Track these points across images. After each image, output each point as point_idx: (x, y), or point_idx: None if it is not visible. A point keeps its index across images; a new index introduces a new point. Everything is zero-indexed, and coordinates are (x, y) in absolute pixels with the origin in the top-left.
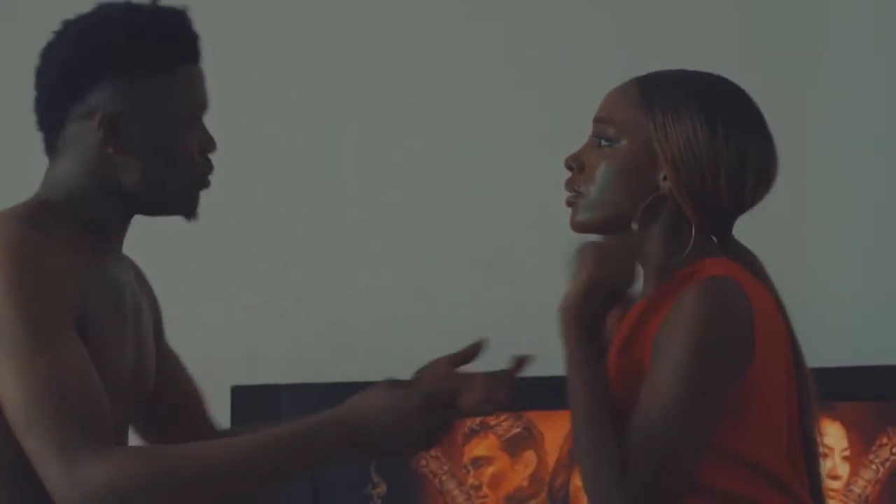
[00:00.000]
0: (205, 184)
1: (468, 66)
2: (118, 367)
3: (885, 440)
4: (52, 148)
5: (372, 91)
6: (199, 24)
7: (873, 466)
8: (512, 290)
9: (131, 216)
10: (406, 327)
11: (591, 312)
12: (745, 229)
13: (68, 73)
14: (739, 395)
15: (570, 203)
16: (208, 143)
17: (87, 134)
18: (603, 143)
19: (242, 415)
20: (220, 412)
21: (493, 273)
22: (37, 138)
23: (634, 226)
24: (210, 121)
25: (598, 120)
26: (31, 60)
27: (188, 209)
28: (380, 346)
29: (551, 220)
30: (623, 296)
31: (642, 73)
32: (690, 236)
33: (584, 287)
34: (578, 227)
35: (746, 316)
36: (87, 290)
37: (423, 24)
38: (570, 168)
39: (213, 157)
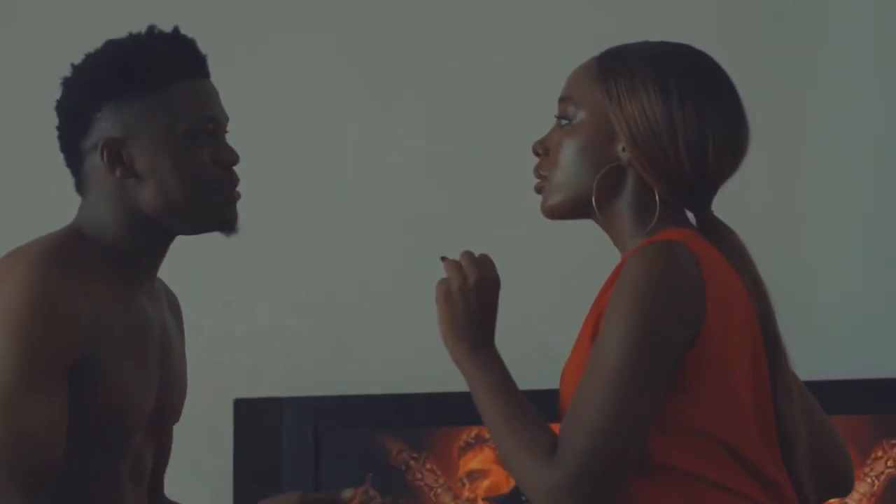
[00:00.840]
0: (227, 196)
1: (466, 71)
2: (136, 396)
3: (880, 453)
4: (78, 185)
5: (371, 99)
6: (196, 28)
7: (868, 480)
8: (513, 298)
9: (165, 241)
10: (406, 338)
11: (465, 331)
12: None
13: (70, 113)
14: (690, 363)
15: (538, 189)
16: (224, 155)
17: (98, 166)
18: (563, 122)
19: (246, 427)
20: (223, 425)
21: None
22: (36, 139)
23: (593, 200)
24: None
25: (560, 100)
26: (32, 61)
27: (218, 224)
28: (381, 356)
29: (552, 224)
30: (493, 296)
31: None
32: (657, 209)
33: (444, 315)
34: (548, 212)
35: (693, 281)
36: (104, 322)
37: (423, 27)
38: (536, 154)
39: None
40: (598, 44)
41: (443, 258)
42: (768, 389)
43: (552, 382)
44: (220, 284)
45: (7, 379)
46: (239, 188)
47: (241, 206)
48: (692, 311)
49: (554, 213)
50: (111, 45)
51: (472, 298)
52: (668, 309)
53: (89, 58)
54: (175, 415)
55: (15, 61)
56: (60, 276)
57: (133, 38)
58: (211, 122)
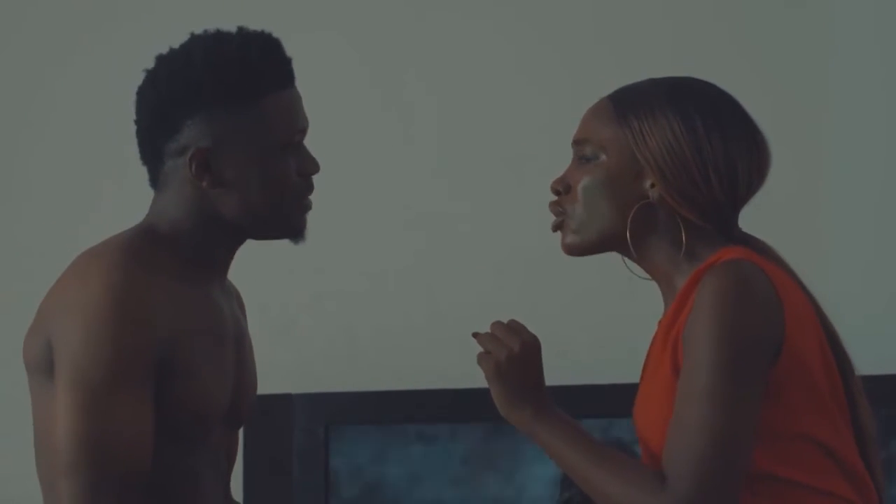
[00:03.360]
0: (306, 206)
1: (480, 71)
2: (215, 392)
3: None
4: (154, 181)
5: (381, 96)
6: (203, 27)
7: None
8: (524, 296)
9: (237, 244)
10: (416, 334)
11: (525, 399)
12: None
13: (159, 113)
14: (780, 373)
15: (556, 227)
16: (308, 166)
17: (182, 170)
18: (582, 160)
19: (256, 424)
20: None
21: (505, 279)
22: (36, 140)
23: (626, 237)
24: None
25: (576, 142)
26: (35, 63)
27: (293, 232)
28: (391, 352)
29: None
30: (539, 357)
31: (644, 71)
32: (683, 236)
33: (501, 389)
34: (569, 249)
35: (770, 295)
36: (183, 320)
37: (434, 24)
38: (556, 192)
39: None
40: (607, 49)
41: (475, 335)
42: (841, 388)
43: (564, 379)
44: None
45: (94, 379)
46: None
47: None
48: (774, 325)
49: (575, 249)
50: (205, 48)
51: (522, 366)
52: (751, 323)
53: (180, 56)
54: (249, 410)
55: (17, 64)
56: (140, 274)
57: (226, 43)
58: (300, 134)
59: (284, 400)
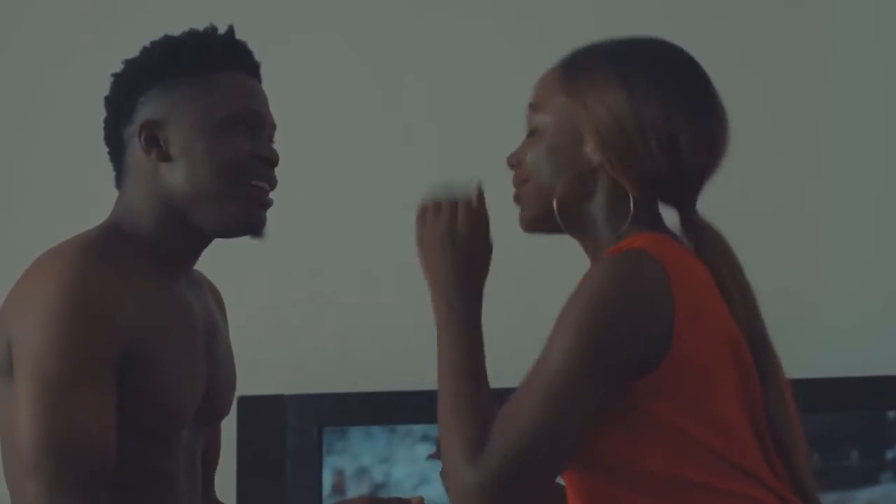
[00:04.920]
0: (260, 196)
1: (479, 72)
2: (184, 388)
3: None
4: (119, 177)
5: (381, 96)
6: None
7: None
8: (516, 297)
9: (199, 240)
10: (409, 335)
11: (455, 279)
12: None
13: (116, 101)
14: (667, 371)
15: (515, 201)
16: (261, 150)
17: (137, 151)
18: (532, 132)
19: (249, 425)
20: (226, 422)
21: (497, 281)
22: (36, 140)
23: (555, 204)
24: None
25: (528, 109)
26: (35, 63)
27: (242, 222)
28: (384, 353)
29: None
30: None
31: None
32: (630, 212)
33: (449, 248)
34: (525, 224)
35: (655, 292)
36: (147, 315)
37: (437, 28)
38: (511, 166)
39: None
40: (604, 36)
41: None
42: (758, 393)
43: None
44: (223, 282)
45: (52, 374)
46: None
47: None
48: (650, 322)
49: (530, 225)
50: (166, 37)
51: (467, 241)
52: (620, 320)
53: (143, 49)
54: (225, 407)
55: (18, 64)
56: (100, 270)
57: (189, 31)
58: (253, 116)
59: (277, 401)
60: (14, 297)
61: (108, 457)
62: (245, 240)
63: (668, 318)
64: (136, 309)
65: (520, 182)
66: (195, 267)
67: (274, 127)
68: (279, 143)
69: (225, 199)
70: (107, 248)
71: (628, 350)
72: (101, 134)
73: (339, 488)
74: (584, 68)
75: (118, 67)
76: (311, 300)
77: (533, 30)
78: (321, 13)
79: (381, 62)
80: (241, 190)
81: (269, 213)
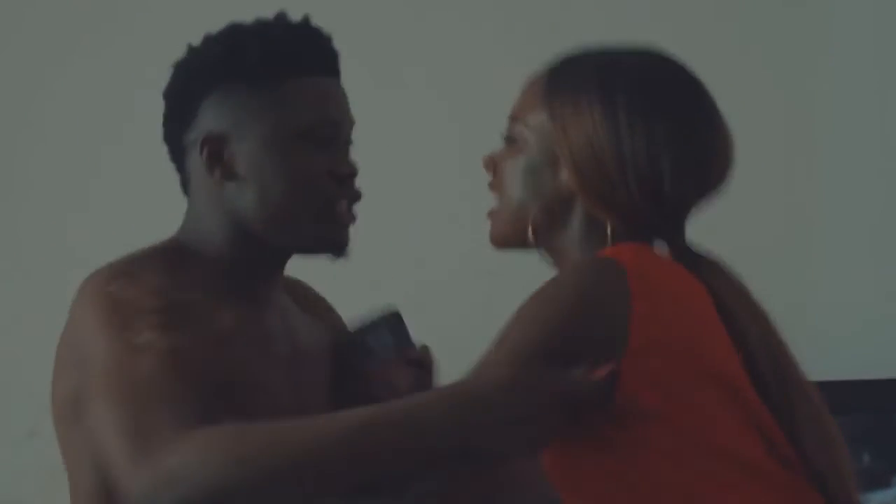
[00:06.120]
0: (339, 213)
1: (480, 73)
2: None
3: None
4: (183, 185)
5: (382, 104)
6: (206, 28)
7: None
8: (518, 301)
9: (275, 259)
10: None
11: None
12: (748, 237)
13: (175, 100)
14: (626, 372)
15: (488, 215)
16: (338, 165)
17: (199, 164)
18: (510, 140)
19: None
20: None
21: (499, 284)
22: (35, 140)
23: (530, 234)
24: None
25: (509, 118)
26: (35, 63)
27: (322, 242)
28: None
29: None
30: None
31: None
32: (608, 240)
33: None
34: (494, 241)
35: (610, 300)
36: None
37: (437, 28)
38: (487, 171)
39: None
40: (607, 39)
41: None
42: (750, 398)
43: None
44: None
45: (129, 381)
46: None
47: None
48: (598, 327)
49: (499, 242)
50: (232, 27)
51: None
52: (571, 323)
53: (206, 40)
54: None
55: (18, 65)
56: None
57: (257, 23)
58: (330, 126)
59: None
60: (66, 336)
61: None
62: None
63: (617, 328)
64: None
65: (494, 190)
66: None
67: (352, 126)
68: None
69: (303, 221)
70: (167, 266)
71: (577, 352)
72: (101, 134)
73: None
74: (567, 86)
75: (131, 66)
76: None
77: (533, 30)
78: (320, 14)
79: (380, 63)
80: (319, 211)
81: None
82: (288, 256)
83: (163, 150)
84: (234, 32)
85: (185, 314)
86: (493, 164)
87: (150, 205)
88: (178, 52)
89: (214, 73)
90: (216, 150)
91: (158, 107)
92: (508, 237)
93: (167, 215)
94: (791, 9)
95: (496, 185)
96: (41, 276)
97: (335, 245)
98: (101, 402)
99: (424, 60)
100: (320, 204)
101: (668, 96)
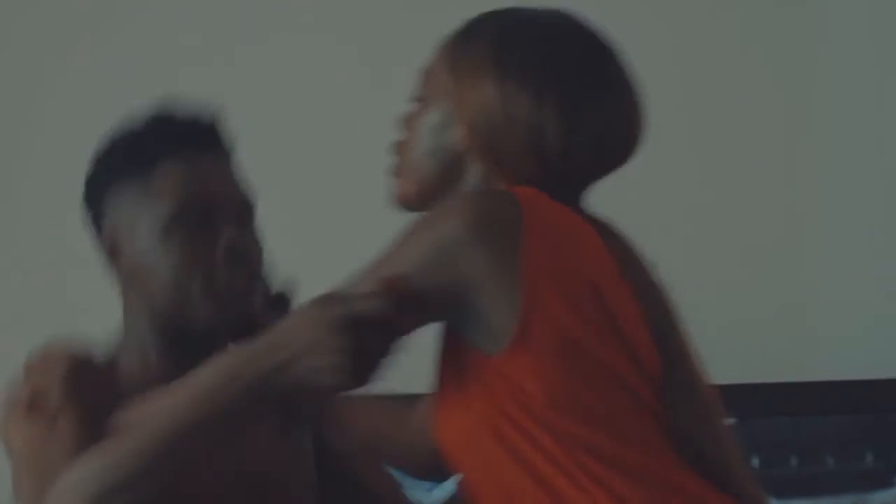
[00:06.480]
0: (228, 288)
1: None
2: None
3: None
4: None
5: (374, 101)
6: (199, 27)
7: None
8: None
9: (197, 345)
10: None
11: None
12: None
13: (84, 203)
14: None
15: (391, 172)
16: (222, 242)
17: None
18: (419, 98)
19: None
20: None
21: None
22: (35, 142)
23: (413, 188)
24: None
25: (421, 74)
26: (34, 64)
27: (227, 320)
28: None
29: None
30: None
31: (641, 75)
32: None
33: None
34: (398, 200)
35: (501, 219)
36: None
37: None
38: (401, 130)
39: None
40: (605, 30)
41: None
42: (644, 367)
43: None
44: None
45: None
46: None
47: None
48: (491, 253)
49: (401, 202)
50: (113, 128)
51: None
52: (456, 246)
53: (102, 138)
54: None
55: (17, 66)
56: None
57: (127, 119)
58: (202, 202)
59: None
60: None
61: None
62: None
63: (510, 262)
64: None
65: (400, 150)
66: None
67: (239, 199)
68: (281, 146)
69: (198, 302)
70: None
71: (448, 279)
72: (101, 134)
73: None
74: (469, 46)
75: (131, 67)
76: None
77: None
78: (319, 14)
79: (378, 63)
80: (210, 290)
81: (269, 218)
82: (213, 340)
83: None
84: (112, 132)
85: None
86: (408, 123)
87: None
88: (178, 52)
89: (100, 174)
90: (114, 247)
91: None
92: (411, 196)
93: None
94: (789, 8)
95: (406, 145)
96: (41, 276)
97: (240, 318)
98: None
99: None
100: (209, 282)
101: (565, 61)
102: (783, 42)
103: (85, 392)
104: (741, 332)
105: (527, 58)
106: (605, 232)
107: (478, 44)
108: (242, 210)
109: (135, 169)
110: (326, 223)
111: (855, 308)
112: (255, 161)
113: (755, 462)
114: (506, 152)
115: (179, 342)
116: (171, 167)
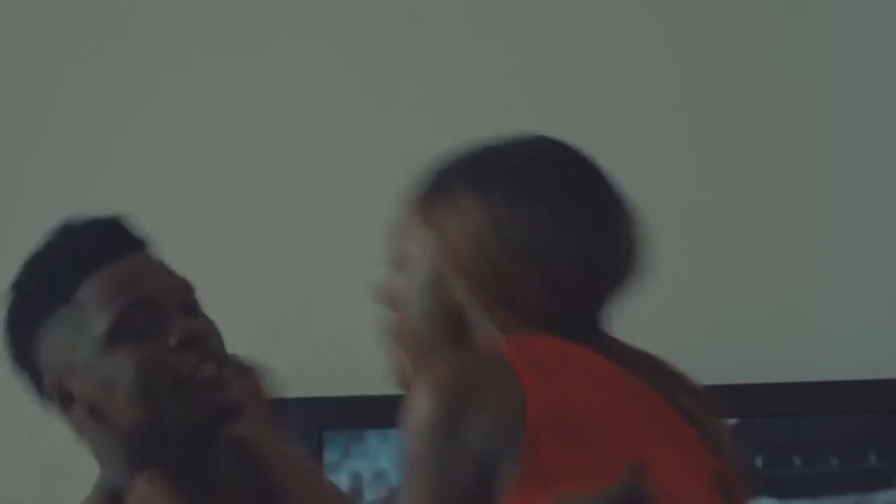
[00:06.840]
0: (194, 381)
1: (478, 74)
2: None
3: None
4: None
5: (374, 101)
6: (195, 28)
7: None
8: None
9: (195, 455)
10: None
11: None
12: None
13: (11, 358)
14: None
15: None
16: (171, 338)
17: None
18: (396, 267)
19: None
20: None
21: None
22: (35, 142)
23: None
24: (205, 128)
25: (388, 241)
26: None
27: (201, 424)
28: (384, 357)
29: None
30: None
31: (642, 76)
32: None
33: None
34: (402, 387)
35: (500, 401)
36: None
37: (434, 30)
38: (382, 304)
39: (208, 168)
40: (596, 48)
41: None
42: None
43: None
44: (222, 285)
45: None
46: (237, 190)
47: (243, 209)
48: (496, 450)
49: (407, 384)
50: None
51: None
52: (452, 455)
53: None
54: None
55: (17, 66)
56: None
57: (38, 248)
58: (139, 301)
59: (279, 404)
60: None
61: None
62: (243, 243)
63: (510, 437)
64: None
65: (392, 332)
66: None
67: (183, 286)
68: (280, 146)
69: (167, 407)
70: None
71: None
72: (102, 134)
73: (356, 492)
74: (439, 190)
75: (115, 70)
76: (310, 303)
77: (531, 32)
78: (318, 14)
79: (376, 64)
80: (175, 391)
81: (269, 217)
82: (195, 438)
83: (165, 149)
84: (21, 275)
85: None
86: (388, 296)
87: (150, 205)
88: (179, 52)
89: (27, 322)
90: (63, 394)
91: (162, 103)
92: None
93: (167, 215)
94: (790, 8)
95: (398, 320)
96: None
97: (214, 410)
98: None
99: (421, 67)
100: (175, 378)
101: (551, 179)
102: (784, 42)
103: None
104: (741, 332)
105: (508, 180)
106: (633, 362)
107: (448, 184)
108: (184, 295)
109: (57, 304)
110: (326, 223)
111: (856, 308)
112: (255, 161)
113: (758, 463)
114: (510, 280)
115: (161, 454)
116: (94, 281)
